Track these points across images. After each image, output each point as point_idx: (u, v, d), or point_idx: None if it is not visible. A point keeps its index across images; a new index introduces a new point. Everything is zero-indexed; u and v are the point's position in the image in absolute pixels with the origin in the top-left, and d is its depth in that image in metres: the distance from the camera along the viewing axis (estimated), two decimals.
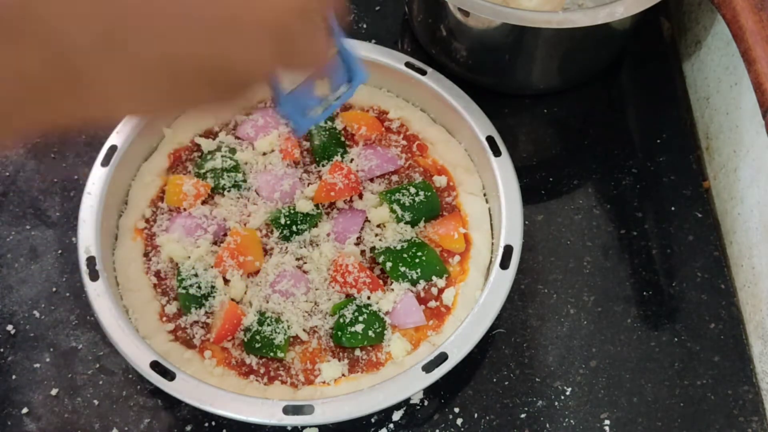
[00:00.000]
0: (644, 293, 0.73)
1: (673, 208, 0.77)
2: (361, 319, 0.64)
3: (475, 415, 0.66)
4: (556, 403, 0.67)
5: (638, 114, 0.85)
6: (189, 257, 0.68)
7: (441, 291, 0.67)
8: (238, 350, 0.65)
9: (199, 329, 0.65)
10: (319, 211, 0.71)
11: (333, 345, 0.65)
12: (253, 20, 0.36)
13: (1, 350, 0.69)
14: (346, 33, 0.47)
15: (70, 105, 0.34)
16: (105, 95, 0.35)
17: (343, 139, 0.75)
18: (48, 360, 0.68)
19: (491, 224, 0.71)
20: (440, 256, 0.69)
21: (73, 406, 0.66)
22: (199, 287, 0.66)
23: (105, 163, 0.70)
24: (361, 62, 0.49)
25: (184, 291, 0.66)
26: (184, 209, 0.71)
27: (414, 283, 0.67)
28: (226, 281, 0.67)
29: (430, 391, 0.66)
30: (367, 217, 0.70)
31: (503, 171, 0.70)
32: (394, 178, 0.74)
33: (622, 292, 0.72)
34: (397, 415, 0.66)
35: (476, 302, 0.64)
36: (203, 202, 0.72)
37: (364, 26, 0.89)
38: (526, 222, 0.70)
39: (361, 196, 0.72)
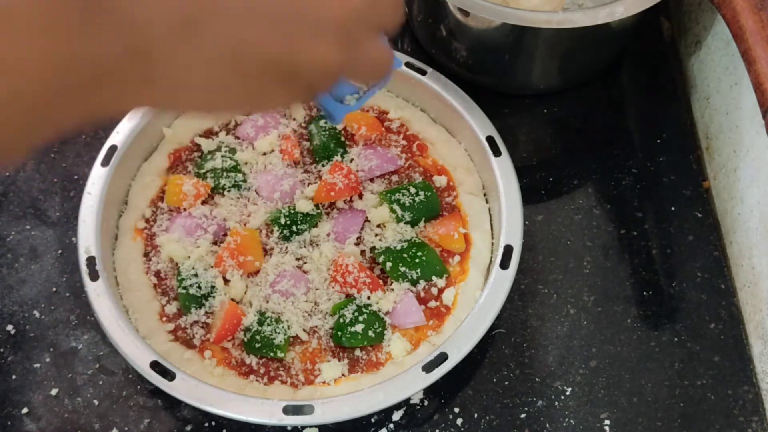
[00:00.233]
0: (644, 293, 0.73)
1: (673, 208, 0.77)
2: (361, 319, 0.64)
3: (475, 415, 0.66)
4: (556, 403, 0.67)
5: (638, 114, 0.85)
6: (189, 257, 0.68)
7: (441, 291, 0.67)
8: (238, 350, 0.65)
9: (199, 329, 0.65)
10: (319, 211, 0.71)
11: (333, 345, 0.65)
12: (324, 19, 0.37)
13: (1, 350, 0.69)
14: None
15: (139, 93, 0.35)
16: (174, 87, 0.35)
17: (343, 139, 0.75)
18: (48, 360, 0.68)
19: (491, 224, 0.71)
20: (440, 256, 0.69)
21: (73, 406, 0.66)
22: (199, 287, 0.66)
23: (105, 163, 0.70)
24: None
25: (184, 291, 0.66)
26: (184, 209, 0.71)
27: (414, 283, 0.67)
28: (226, 281, 0.67)
29: (430, 391, 0.66)
30: (367, 217, 0.71)
31: (503, 171, 0.70)
32: (394, 178, 0.74)
33: (622, 292, 0.72)
34: (397, 415, 0.66)
35: (476, 302, 0.64)
36: (203, 202, 0.72)
37: None
38: (526, 222, 0.70)
39: (361, 196, 0.72)
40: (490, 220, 0.72)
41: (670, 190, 0.78)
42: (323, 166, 0.73)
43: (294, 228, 0.69)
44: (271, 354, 0.63)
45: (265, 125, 0.75)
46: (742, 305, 0.73)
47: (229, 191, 0.72)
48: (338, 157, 0.74)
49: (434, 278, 0.67)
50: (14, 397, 0.67)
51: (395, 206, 0.70)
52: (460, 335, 0.62)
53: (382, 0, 0.41)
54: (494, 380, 0.68)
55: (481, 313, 0.63)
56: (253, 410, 0.59)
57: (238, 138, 0.76)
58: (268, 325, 0.64)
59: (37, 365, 0.68)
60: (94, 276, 0.64)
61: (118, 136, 0.71)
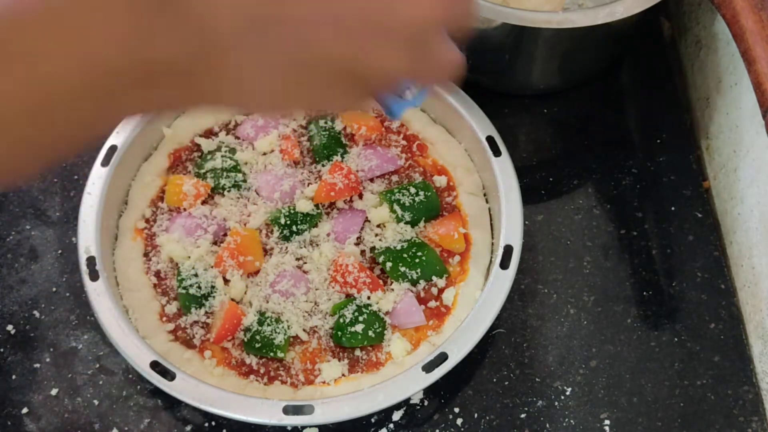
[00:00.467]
0: (644, 293, 0.73)
1: (673, 208, 0.77)
2: (361, 319, 0.64)
3: (475, 415, 0.66)
4: (556, 403, 0.67)
5: (638, 114, 0.85)
6: (189, 257, 0.68)
7: (441, 291, 0.67)
8: (238, 350, 0.65)
9: (199, 329, 0.65)
10: (319, 211, 0.71)
11: (333, 345, 0.65)
12: (395, 26, 0.36)
13: (1, 350, 0.69)
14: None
15: (203, 92, 0.35)
16: (238, 87, 0.35)
17: (343, 139, 0.75)
18: (48, 360, 0.68)
19: (491, 224, 0.71)
20: (440, 256, 0.69)
21: (73, 406, 0.66)
22: (199, 287, 0.66)
23: (105, 163, 0.70)
24: None
25: (184, 291, 0.66)
26: (184, 209, 0.71)
27: (414, 283, 0.67)
28: (226, 281, 0.67)
29: (430, 391, 0.66)
30: (367, 217, 0.71)
31: (503, 171, 0.70)
32: (394, 178, 0.74)
33: (622, 292, 0.72)
34: (397, 415, 0.66)
35: (476, 302, 0.64)
36: (203, 202, 0.72)
37: None
38: (526, 222, 0.70)
39: (361, 196, 0.72)
40: (490, 220, 0.72)
41: (670, 190, 0.78)
42: (323, 166, 0.73)
43: (294, 228, 0.69)
44: (271, 354, 0.63)
45: (265, 125, 0.75)
46: (742, 305, 0.73)
47: (229, 191, 0.72)
48: (338, 157, 0.74)
49: (434, 278, 0.67)
50: (14, 397, 0.67)
51: (395, 206, 0.70)
52: (460, 335, 0.62)
53: (456, 5, 0.40)
54: (494, 380, 0.68)
55: (481, 313, 0.63)
56: (253, 410, 0.59)
57: (238, 138, 0.76)
58: (268, 325, 0.64)
59: (37, 365, 0.68)
60: (94, 276, 0.64)
61: (118, 136, 0.71)
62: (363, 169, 0.73)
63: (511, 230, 0.67)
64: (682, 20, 0.92)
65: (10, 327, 0.70)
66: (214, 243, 0.69)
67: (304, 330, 0.65)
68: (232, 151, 0.74)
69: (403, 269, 0.67)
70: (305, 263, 0.69)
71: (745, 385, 0.68)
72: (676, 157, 0.81)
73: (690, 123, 0.86)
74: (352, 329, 0.64)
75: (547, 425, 0.66)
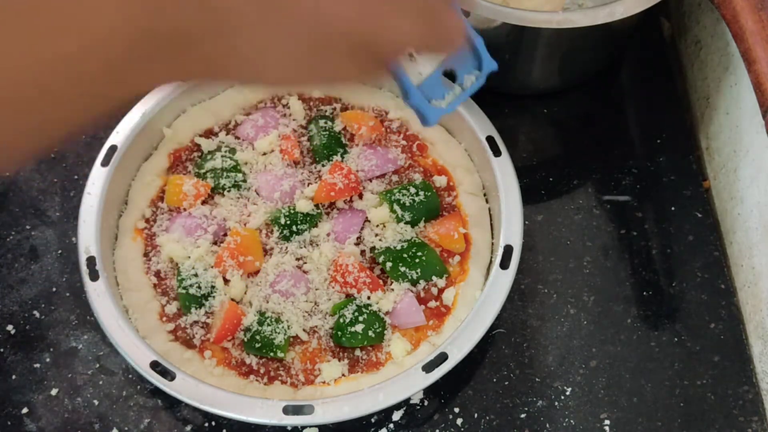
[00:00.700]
0: (644, 293, 0.73)
1: (673, 208, 0.77)
2: (361, 319, 0.64)
3: (475, 415, 0.66)
4: (556, 403, 0.67)
5: (638, 114, 0.85)
6: (189, 257, 0.68)
7: (441, 291, 0.67)
8: (238, 350, 0.65)
9: (199, 329, 0.65)
10: (319, 211, 0.71)
11: (333, 345, 0.65)
12: None
13: (1, 350, 0.69)
14: None
15: (214, 64, 0.34)
16: (250, 59, 0.35)
17: (343, 139, 0.75)
18: (48, 360, 0.68)
19: (491, 224, 0.71)
20: (440, 256, 0.69)
21: (73, 406, 0.66)
22: (199, 287, 0.66)
23: (105, 163, 0.70)
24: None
25: (184, 291, 0.66)
26: (184, 209, 0.71)
27: (414, 283, 0.67)
28: (226, 281, 0.67)
29: (430, 391, 0.66)
30: (367, 217, 0.71)
31: (503, 171, 0.70)
32: (394, 178, 0.74)
33: (622, 292, 0.72)
34: (397, 415, 0.66)
35: (476, 302, 0.64)
36: (203, 202, 0.72)
37: None
38: (526, 222, 0.70)
39: (361, 196, 0.72)
40: (490, 220, 0.72)
41: (670, 190, 0.78)
42: (323, 166, 0.73)
43: (294, 228, 0.69)
44: (271, 354, 0.63)
45: (265, 125, 0.75)
46: (742, 305, 0.73)
47: (229, 191, 0.72)
48: (338, 157, 0.74)
49: (434, 278, 0.67)
50: (14, 397, 0.67)
51: (395, 206, 0.70)
52: (460, 335, 0.62)
53: None
54: (494, 380, 0.68)
55: (481, 313, 0.63)
56: (253, 410, 0.59)
57: (238, 138, 0.76)
58: (268, 325, 0.64)
59: (37, 365, 0.68)
60: (94, 276, 0.64)
61: (118, 136, 0.71)
62: (363, 169, 0.73)
63: (511, 230, 0.67)
64: (682, 20, 0.92)
65: (10, 327, 0.70)
66: (214, 243, 0.69)
67: (304, 330, 0.65)
68: (232, 151, 0.74)
69: (403, 269, 0.67)
70: (305, 263, 0.69)
71: (745, 385, 0.68)
72: (676, 157, 0.81)
73: (690, 123, 0.86)
74: (352, 329, 0.64)
75: (547, 425, 0.66)
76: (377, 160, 0.73)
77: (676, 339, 0.70)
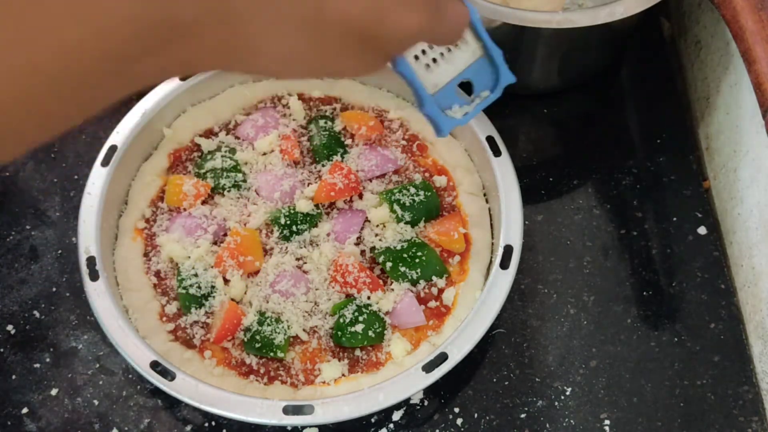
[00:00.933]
0: (644, 293, 0.73)
1: (673, 208, 0.77)
2: (361, 319, 0.64)
3: (475, 415, 0.66)
4: (556, 403, 0.67)
5: (638, 114, 0.85)
6: (189, 257, 0.68)
7: (441, 291, 0.67)
8: (238, 350, 0.65)
9: (199, 329, 0.65)
10: (319, 211, 0.71)
11: (333, 345, 0.65)
12: None
13: (1, 350, 0.69)
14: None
15: (215, 54, 0.34)
16: (252, 49, 0.34)
17: (343, 139, 0.75)
18: (48, 360, 0.68)
19: (491, 224, 0.71)
20: (440, 256, 0.69)
21: (73, 406, 0.66)
22: (199, 287, 0.66)
23: (105, 163, 0.70)
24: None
25: (184, 291, 0.66)
26: (184, 209, 0.71)
27: (414, 283, 0.67)
28: (226, 281, 0.67)
29: (430, 391, 0.66)
30: (367, 217, 0.71)
31: (503, 171, 0.70)
32: (394, 178, 0.74)
33: (622, 292, 0.72)
34: (397, 415, 0.66)
35: (476, 302, 0.64)
36: (203, 202, 0.72)
37: None
38: (526, 222, 0.70)
39: (361, 196, 0.72)
40: (490, 220, 0.72)
41: (670, 190, 0.78)
42: (323, 166, 0.73)
43: (294, 228, 0.69)
44: (271, 354, 0.63)
45: (265, 125, 0.76)
46: (742, 305, 0.73)
47: (229, 191, 0.72)
48: (338, 157, 0.74)
49: (434, 278, 0.67)
50: (14, 397, 0.67)
51: (395, 206, 0.70)
52: (460, 335, 0.62)
53: None
54: (494, 380, 0.68)
55: (481, 313, 0.63)
56: (253, 410, 0.59)
57: (238, 138, 0.76)
58: (268, 325, 0.64)
59: (37, 365, 0.68)
60: (94, 276, 0.64)
61: (118, 136, 0.71)
62: (363, 169, 0.73)
63: (511, 230, 0.67)
64: (682, 20, 0.92)
65: (10, 327, 0.70)
66: (214, 243, 0.69)
67: (304, 330, 0.65)
68: (232, 151, 0.74)
69: (403, 269, 0.67)
70: (305, 263, 0.69)
71: (745, 385, 0.68)
72: (676, 157, 0.81)
73: (690, 123, 0.86)
74: (352, 329, 0.64)
75: (547, 425, 0.66)
76: (377, 160, 0.73)
77: (676, 339, 0.70)
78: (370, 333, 0.64)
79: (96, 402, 0.66)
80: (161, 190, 0.73)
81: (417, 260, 0.67)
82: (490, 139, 0.71)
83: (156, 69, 0.33)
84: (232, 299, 0.66)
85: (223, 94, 0.78)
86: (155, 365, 0.60)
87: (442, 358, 0.61)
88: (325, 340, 0.65)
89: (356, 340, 0.64)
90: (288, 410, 0.59)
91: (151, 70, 0.33)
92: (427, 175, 0.74)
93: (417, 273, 0.67)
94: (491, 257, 0.69)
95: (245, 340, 0.64)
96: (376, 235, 0.70)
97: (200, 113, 0.77)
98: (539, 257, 0.74)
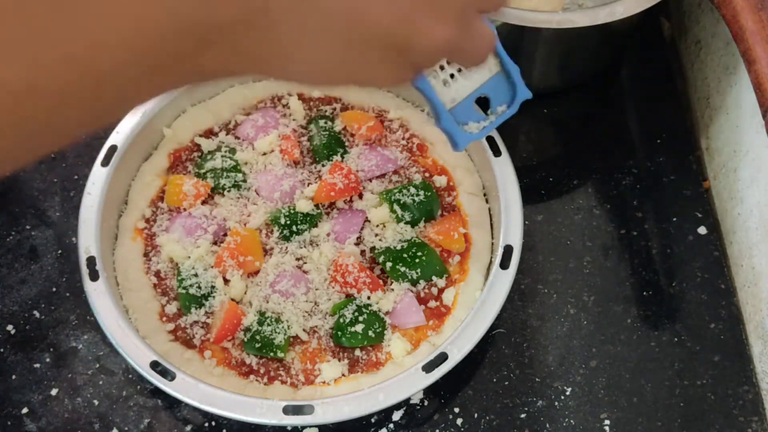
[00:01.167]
0: (644, 293, 0.73)
1: (673, 208, 0.77)
2: (361, 319, 0.64)
3: (475, 415, 0.66)
4: (556, 403, 0.67)
5: (638, 114, 0.85)
6: (189, 257, 0.68)
7: (441, 291, 0.67)
8: (238, 350, 0.65)
9: (199, 329, 0.65)
10: (319, 211, 0.71)
11: (333, 345, 0.65)
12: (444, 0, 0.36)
13: (1, 350, 0.69)
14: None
15: (247, 58, 0.34)
16: (283, 55, 0.34)
17: (343, 139, 0.75)
18: (48, 360, 0.68)
19: (491, 224, 0.71)
20: (440, 256, 0.69)
21: (73, 406, 0.66)
22: (199, 287, 0.66)
23: (105, 163, 0.70)
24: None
25: (184, 291, 0.66)
26: (184, 209, 0.71)
27: (414, 283, 0.67)
28: (226, 281, 0.67)
29: (430, 391, 0.66)
30: (367, 217, 0.71)
31: (503, 171, 0.70)
32: (394, 178, 0.74)
33: (622, 292, 0.72)
34: (397, 415, 0.66)
35: (476, 302, 0.64)
36: (203, 202, 0.72)
37: None
38: (526, 222, 0.70)
39: (361, 196, 0.72)
40: (490, 220, 0.72)
41: (670, 190, 0.78)
42: (323, 166, 0.73)
43: (294, 228, 0.69)
44: (271, 354, 0.63)
45: (265, 125, 0.75)
46: (742, 305, 0.73)
47: (229, 191, 0.72)
48: (338, 157, 0.74)
49: (434, 278, 0.67)
50: (14, 397, 0.67)
51: (395, 206, 0.70)
52: (460, 335, 0.62)
53: None
54: (494, 380, 0.68)
55: (481, 313, 0.63)
56: (253, 410, 0.59)
57: (238, 138, 0.76)
58: (268, 325, 0.64)
59: (37, 365, 0.68)
60: (94, 276, 0.64)
61: (118, 136, 0.71)
62: (363, 169, 0.73)
63: (511, 230, 0.67)
64: (682, 20, 0.92)
65: (10, 327, 0.70)
66: (214, 243, 0.69)
67: (304, 330, 0.65)
68: (232, 151, 0.74)
69: (403, 269, 0.67)
70: (305, 263, 0.69)
71: (745, 385, 0.68)
72: (676, 157, 0.81)
73: (690, 123, 0.86)
74: (352, 329, 0.64)
75: (547, 425, 0.66)
76: (377, 160, 0.73)
77: (676, 339, 0.70)
78: (370, 333, 0.64)
79: (96, 402, 0.66)
80: (161, 190, 0.72)
81: (417, 260, 0.67)
82: (490, 139, 0.71)
83: (187, 73, 0.33)
84: (232, 299, 0.66)
85: (223, 94, 0.78)
86: (155, 365, 0.60)
87: (442, 358, 0.61)
88: (325, 340, 0.65)
89: (356, 340, 0.64)
90: (288, 410, 0.59)
91: (182, 74, 0.33)
92: (427, 175, 0.74)
93: (417, 273, 0.67)
94: (491, 257, 0.69)
95: (245, 340, 0.64)
96: (376, 235, 0.70)
97: (200, 113, 0.77)
98: (539, 257, 0.74)
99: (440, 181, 0.73)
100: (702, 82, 0.85)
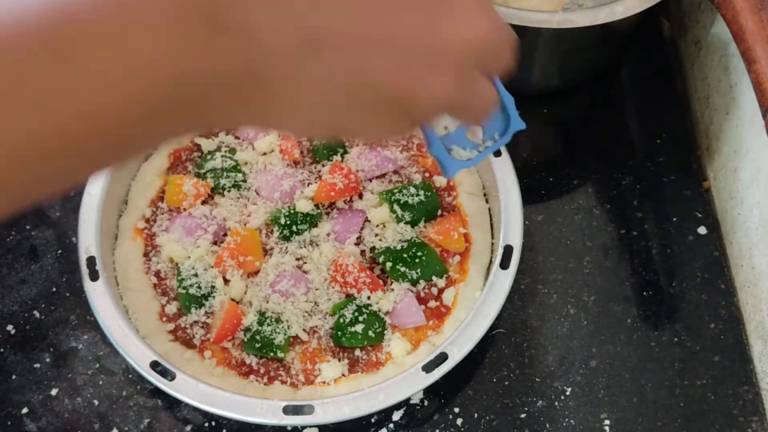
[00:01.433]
0: (644, 293, 0.73)
1: (673, 208, 0.77)
2: (361, 319, 0.64)
3: (475, 415, 0.66)
4: (556, 403, 0.67)
5: (638, 114, 0.85)
6: (189, 257, 0.68)
7: (441, 291, 0.67)
8: (238, 350, 0.65)
9: (199, 329, 0.65)
10: (319, 211, 0.71)
11: (333, 345, 0.65)
12: (444, 49, 0.36)
13: (1, 350, 0.69)
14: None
15: (246, 111, 0.34)
16: (282, 108, 0.34)
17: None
18: (48, 360, 0.68)
19: (491, 224, 0.71)
20: (440, 256, 0.69)
21: (73, 406, 0.66)
22: (199, 287, 0.66)
23: None
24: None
25: (184, 291, 0.66)
26: (184, 209, 0.71)
27: (414, 283, 0.67)
28: (226, 281, 0.67)
29: (430, 391, 0.66)
30: (367, 217, 0.71)
31: (503, 171, 0.70)
32: (394, 178, 0.74)
33: (622, 292, 0.72)
34: (397, 415, 0.66)
35: (476, 302, 0.64)
36: (203, 202, 0.72)
37: None
38: (526, 222, 0.70)
39: (361, 196, 0.72)
40: (490, 220, 0.72)
41: (670, 190, 0.78)
42: (323, 166, 0.73)
43: (294, 228, 0.69)
44: (271, 354, 0.63)
45: None
46: (742, 305, 0.73)
47: (229, 191, 0.72)
48: (338, 157, 0.74)
49: (434, 278, 0.67)
50: (14, 397, 0.67)
51: (395, 206, 0.70)
52: (460, 335, 0.62)
53: (499, 40, 0.40)
54: (494, 380, 0.68)
55: (481, 313, 0.63)
56: (253, 410, 0.59)
57: (238, 138, 0.76)
58: (268, 325, 0.64)
59: (37, 365, 0.68)
60: (94, 276, 0.64)
61: None
62: (363, 169, 0.73)
63: (511, 230, 0.67)
64: (682, 20, 0.92)
65: (10, 327, 0.70)
66: (214, 243, 0.69)
67: (304, 330, 0.65)
68: (232, 151, 0.74)
69: (403, 269, 0.67)
70: (305, 263, 0.69)
71: (745, 385, 0.68)
72: (676, 157, 0.81)
73: (690, 123, 0.86)
74: (352, 329, 0.64)
75: (547, 425, 0.66)
76: (377, 160, 0.73)
77: (676, 339, 0.70)
78: (370, 333, 0.64)
79: (96, 402, 0.66)
80: (161, 190, 0.72)
81: (417, 260, 0.67)
82: None
83: (186, 122, 0.33)
84: (232, 299, 0.66)
85: None
86: (155, 365, 0.60)
87: (442, 358, 0.61)
88: (325, 340, 0.65)
89: (356, 340, 0.64)
90: (288, 410, 0.59)
91: (180, 125, 0.33)
92: (427, 175, 0.74)
93: (417, 273, 0.67)
94: (491, 257, 0.69)
95: (245, 340, 0.64)
96: (376, 235, 0.70)
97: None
98: (539, 257, 0.74)
99: (440, 181, 0.73)
100: (702, 82, 0.85)
